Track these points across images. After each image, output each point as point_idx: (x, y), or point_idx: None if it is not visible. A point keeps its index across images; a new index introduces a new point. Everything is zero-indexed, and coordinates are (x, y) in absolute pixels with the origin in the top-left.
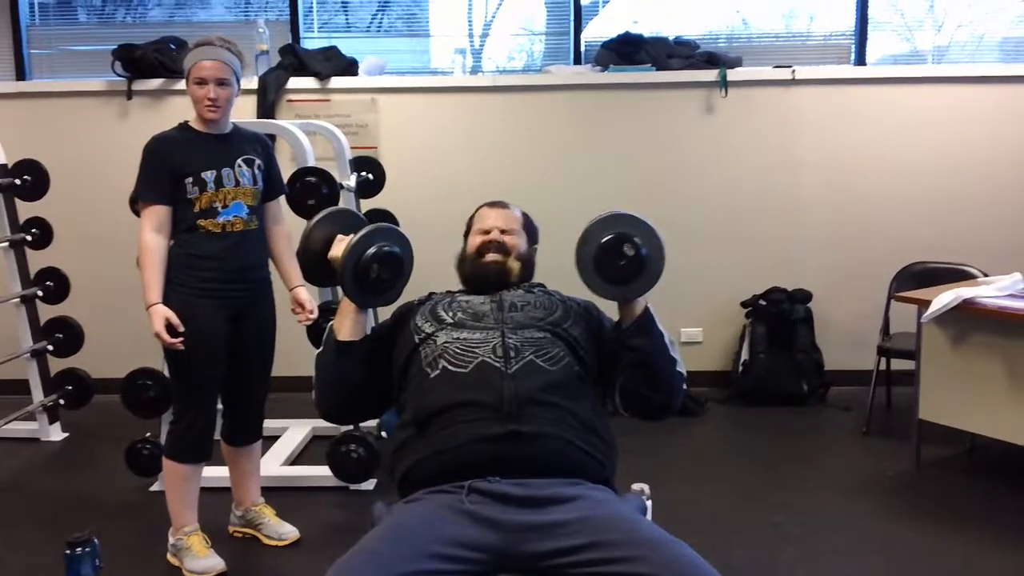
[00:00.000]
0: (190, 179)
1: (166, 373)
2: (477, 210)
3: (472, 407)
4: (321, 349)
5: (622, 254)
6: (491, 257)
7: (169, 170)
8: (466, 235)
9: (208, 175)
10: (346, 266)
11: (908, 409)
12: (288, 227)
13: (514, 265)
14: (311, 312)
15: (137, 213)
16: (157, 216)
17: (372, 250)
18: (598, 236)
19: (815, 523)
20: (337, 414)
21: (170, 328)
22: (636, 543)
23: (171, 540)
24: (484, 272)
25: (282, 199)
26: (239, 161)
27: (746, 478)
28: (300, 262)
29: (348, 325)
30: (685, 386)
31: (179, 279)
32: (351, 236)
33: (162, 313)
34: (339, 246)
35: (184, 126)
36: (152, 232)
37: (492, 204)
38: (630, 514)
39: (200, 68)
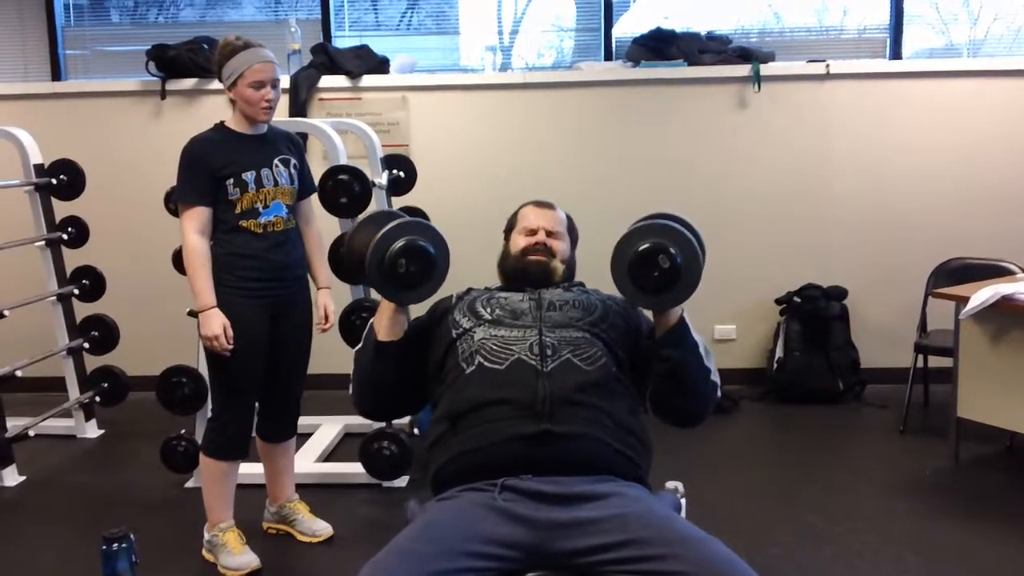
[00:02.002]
0: (231, 180)
1: (203, 370)
2: (520, 208)
3: (506, 405)
4: (360, 346)
5: (657, 265)
6: (536, 258)
7: (209, 172)
8: (507, 232)
9: (249, 176)
10: (372, 263)
11: (946, 407)
12: (319, 226)
13: (558, 266)
14: (329, 323)
15: (172, 212)
16: (199, 218)
17: (399, 244)
18: (635, 244)
19: (851, 522)
20: (375, 411)
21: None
22: (670, 541)
23: (206, 536)
24: (527, 270)
25: (313, 198)
26: (276, 161)
27: (781, 476)
28: (346, 266)
29: (386, 324)
30: (719, 393)
31: (221, 279)
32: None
33: (219, 318)
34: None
35: (221, 127)
36: (196, 234)
37: (537, 204)
38: (664, 511)
39: (258, 71)
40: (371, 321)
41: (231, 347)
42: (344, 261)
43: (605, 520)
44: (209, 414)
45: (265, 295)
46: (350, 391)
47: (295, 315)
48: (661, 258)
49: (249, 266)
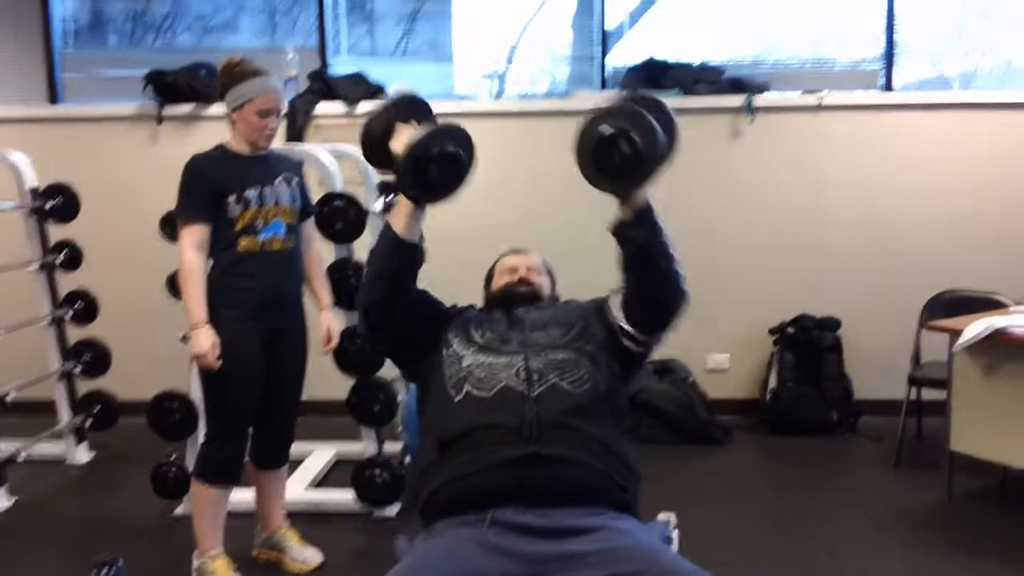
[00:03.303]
0: (232, 196)
1: (195, 395)
2: (497, 260)
3: (494, 430)
4: (375, 246)
5: (618, 149)
6: (520, 289)
7: (210, 188)
8: (487, 283)
9: (251, 192)
10: (407, 163)
11: (939, 440)
12: (319, 249)
13: (544, 288)
14: (332, 344)
15: (168, 236)
16: (197, 235)
17: (436, 149)
18: (596, 128)
19: (844, 555)
20: (375, 311)
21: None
22: (658, 574)
23: (195, 563)
24: (512, 294)
25: (311, 221)
26: (279, 179)
27: (774, 508)
28: (362, 147)
29: (403, 223)
30: (686, 288)
31: (217, 303)
32: (415, 130)
33: (209, 336)
34: (400, 137)
35: (223, 148)
36: (193, 250)
37: (514, 251)
38: (653, 544)
39: (268, 99)
40: (386, 220)
41: (219, 364)
42: (361, 143)
43: (594, 554)
44: (201, 438)
45: (261, 319)
46: (362, 281)
47: (291, 341)
48: (622, 142)
49: (246, 287)
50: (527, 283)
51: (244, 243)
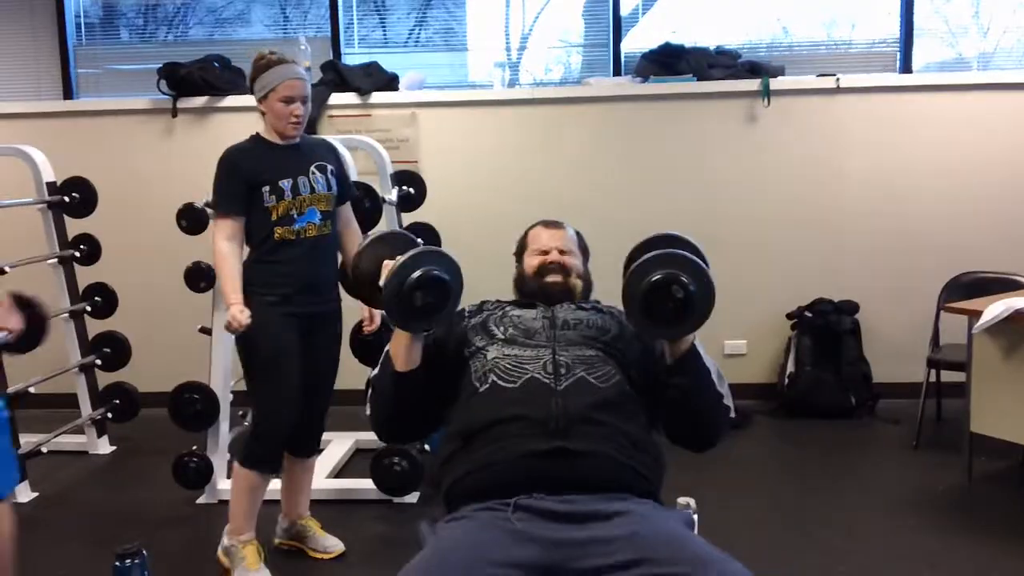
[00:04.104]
0: (267, 188)
1: (215, 386)
2: (529, 230)
3: (520, 422)
4: (378, 373)
5: (671, 296)
6: (553, 279)
7: (244, 181)
8: (518, 255)
9: (285, 183)
10: (390, 295)
11: (958, 422)
12: (357, 229)
13: (576, 283)
14: (375, 323)
15: (184, 229)
16: (230, 227)
17: (416, 275)
18: (648, 274)
19: (864, 539)
20: (396, 437)
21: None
22: (684, 560)
23: (225, 541)
24: (547, 292)
25: (349, 205)
26: (312, 168)
27: (792, 492)
28: (352, 289)
29: (403, 354)
30: (733, 415)
31: (257, 291)
32: (394, 261)
33: (239, 306)
34: (386, 271)
35: (257, 138)
36: (225, 240)
37: (547, 224)
38: (678, 530)
39: (290, 87)
40: (387, 348)
41: (247, 324)
42: (351, 282)
43: (618, 539)
44: (222, 431)
45: (299, 305)
46: (367, 412)
47: (328, 329)
48: (675, 288)
49: (283, 272)
50: (560, 269)
51: (280, 232)
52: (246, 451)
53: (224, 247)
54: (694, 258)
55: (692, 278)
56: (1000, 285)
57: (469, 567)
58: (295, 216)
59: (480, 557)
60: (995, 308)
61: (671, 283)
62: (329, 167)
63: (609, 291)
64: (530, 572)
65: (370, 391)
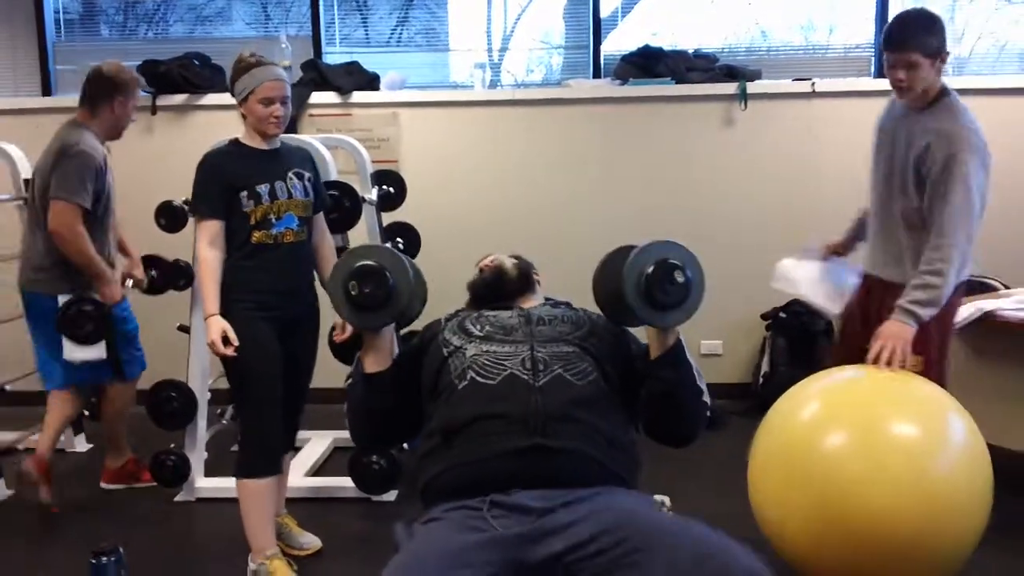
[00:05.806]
0: (245, 192)
1: (193, 385)
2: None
3: (499, 419)
4: (351, 381)
5: (673, 280)
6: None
7: (223, 184)
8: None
9: (262, 188)
10: (333, 289)
11: None
12: (331, 241)
13: (507, 261)
14: (346, 335)
15: (163, 227)
16: (211, 230)
17: (350, 267)
18: (650, 259)
19: None
20: (373, 441)
21: (225, 340)
22: (641, 528)
23: (252, 566)
24: (482, 279)
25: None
26: (290, 174)
27: None
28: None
29: (371, 355)
30: (709, 413)
31: (236, 296)
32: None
33: (219, 324)
34: None
35: (236, 142)
36: (207, 245)
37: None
38: (637, 505)
39: (268, 88)
40: (358, 354)
41: (229, 352)
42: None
43: (577, 521)
44: (199, 429)
45: (278, 309)
46: (347, 422)
47: (304, 331)
48: (677, 273)
49: (261, 278)
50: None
51: (258, 236)
52: (240, 463)
53: (206, 253)
54: (689, 250)
55: (692, 266)
56: (970, 287)
57: (443, 572)
58: (273, 220)
59: (454, 561)
60: (965, 310)
61: (675, 267)
62: (306, 175)
63: (587, 289)
64: (503, 570)
65: (346, 401)
